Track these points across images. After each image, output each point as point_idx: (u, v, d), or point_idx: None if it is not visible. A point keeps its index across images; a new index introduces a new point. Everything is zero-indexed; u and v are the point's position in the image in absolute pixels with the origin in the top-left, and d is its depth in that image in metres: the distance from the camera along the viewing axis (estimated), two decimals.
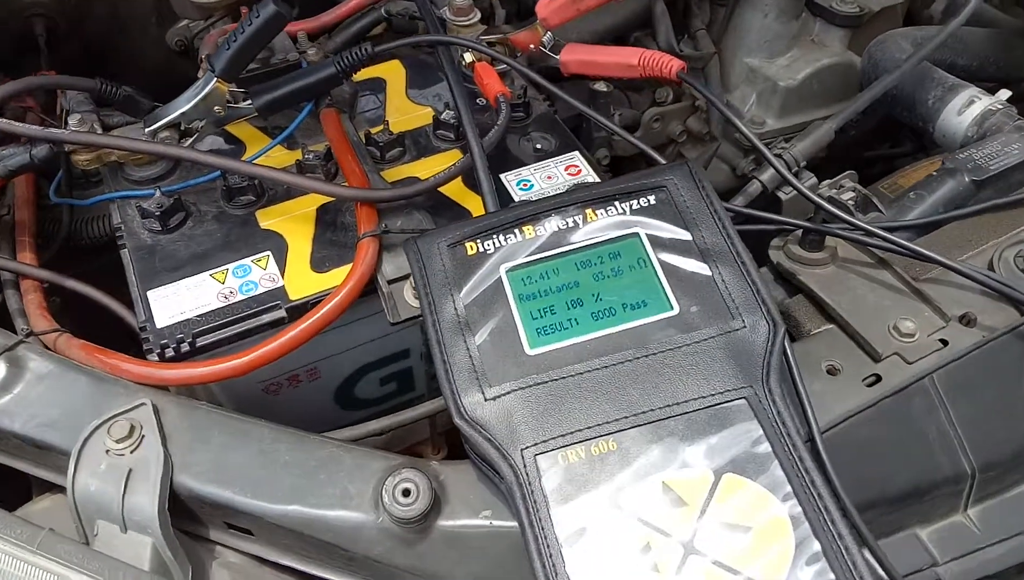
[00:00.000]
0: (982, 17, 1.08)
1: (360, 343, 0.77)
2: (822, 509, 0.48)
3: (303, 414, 0.78)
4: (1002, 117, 0.82)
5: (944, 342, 0.63)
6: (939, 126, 0.86)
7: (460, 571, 0.58)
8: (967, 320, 0.65)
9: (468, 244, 0.61)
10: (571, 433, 0.52)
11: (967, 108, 0.84)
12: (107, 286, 0.75)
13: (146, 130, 0.75)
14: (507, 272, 0.59)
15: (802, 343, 0.66)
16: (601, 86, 1.08)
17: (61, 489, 0.62)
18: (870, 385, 0.62)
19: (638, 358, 0.54)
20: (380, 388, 0.83)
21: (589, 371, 0.54)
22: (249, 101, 0.76)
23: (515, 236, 0.61)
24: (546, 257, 0.60)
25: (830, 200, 0.76)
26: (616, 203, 0.61)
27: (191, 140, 0.76)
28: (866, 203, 0.78)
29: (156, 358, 0.66)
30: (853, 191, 0.78)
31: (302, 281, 0.70)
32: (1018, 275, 0.67)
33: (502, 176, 0.79)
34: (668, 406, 0.52)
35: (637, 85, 1.17)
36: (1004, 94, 0.85)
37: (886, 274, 0.69)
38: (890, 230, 0.68)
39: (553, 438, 0.52)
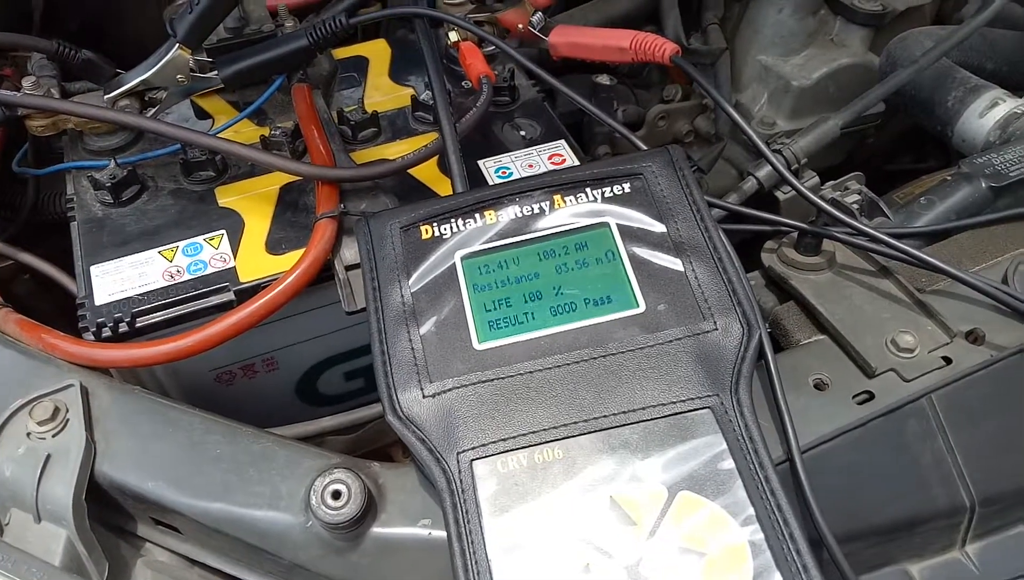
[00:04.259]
0: (1017, 22, 1.01)
1: (321, 334, 0.72)
2: (786, 537, 0.42)
3: (261, 408, 0.74)
4: None
5: (947, 360, 0.57)
6: (959, 130, 0.80)
7: None
8: (974, 337, 0.58)
9: (423, 227, 0.56)
10: (513, 438, 0.47)
11: (990, 110, 0.77)
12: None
13: (105, 97, 0.71)
14: (462, 259, 0.54)
15: (789, 354, 0.60)
16: (604, 79, 1.04)
17: None
18: (861, 403, 0.55)
19: (595, 358, 0.49)
20: (346, 384, 0.78)
21: (540, 370, 0.49)
22: (216, 72, 0.71)
23: (474, 221, 0.56)
24: (506, 245, 0.55)
25: (832, 202, 0.70)
26: (587, 189, 0.56)
27: (153, 110, 0.71)
28: (872, 207, 0.71)
29: (91, 337, 0.62)
30: (859, 194, 0.72)
31: (255, 263, 0.66)
32: None
33: (480, 162, 0.74)
34: (623, 412, 0.47)
35: (646, 82, 1.12)
36: None
37: (888, 284, 0.63)
38: (896, 237, 0.62)
39: (493, 442, 0.47)
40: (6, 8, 0.94)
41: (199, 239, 0.67)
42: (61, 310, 0.74)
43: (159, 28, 1.01)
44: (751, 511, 0.43)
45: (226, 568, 0.58)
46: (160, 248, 0.66)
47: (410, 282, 0.54)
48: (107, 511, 0.58)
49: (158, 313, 0.63)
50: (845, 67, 1.00)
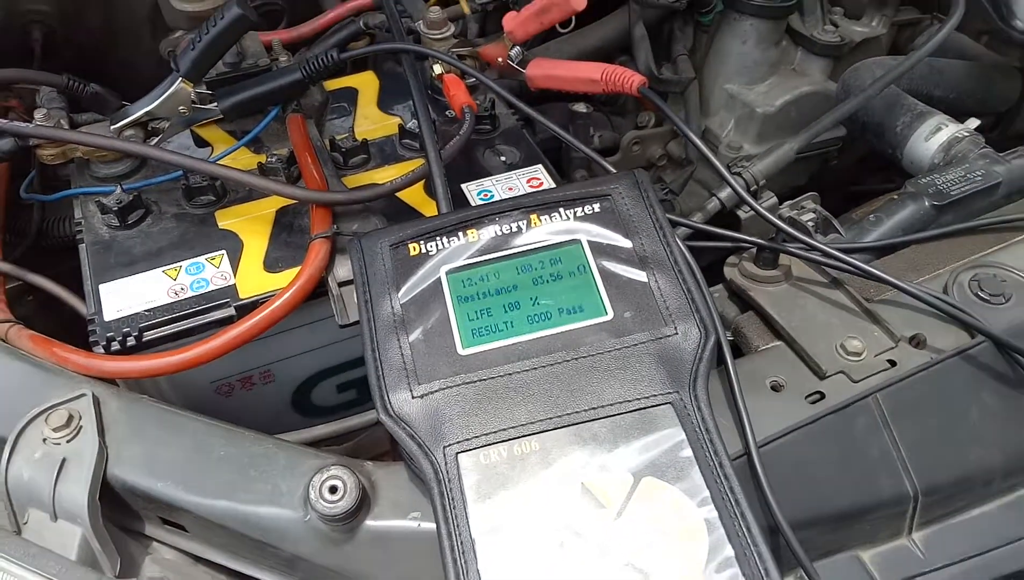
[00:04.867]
0: (965, 52, 1.08)
1: (315, 347, 0.76)
2: (738, 515, 0.47)
3: (258, 418, 0.78)
4: (968, 144, 0.82)
5: (892, 362, 0.62)
6: (907, 152, 0.86)
7: (387, 574, 0.57)
8: (917, 341, 0.64)
9: (411, 245, 0.61)
10: (495, 432, 0.52)
11: (934, 135, 0.84)
12: (79, 285, 0.75)
13: (112, 127, 0.76)
14: (447, 274, 0.59)
15: (748, 359, 0.65)
16: (581, 107, 1.10)
17: None
18: (813, 402, 0.61)
19: (567, 361, 0.54)
20: (338, 395, 0.82)
21: (518, 372, 0.54)
22: (215, 103, 0.76)
23: (458, 239, 0.61)
24: (487, 260, 0.60)
25: (789, 220, 0.76)
26: (561, 210, 0.62)
27: (156, 139, 0.76)
28: (826, 224, 0.77)
29: (102, 350, 0.66)
30: (814, 212, 0.77)
31: (254, 280, 0.70)
32: (971, 299, 0.66)
33: (464, 185, 0.79)
34: (593, 408, 0.52)
35: (621, 109, 1.18)
36: (973, 123, 0.85)
37: (839, 294, 0.68)
38: (847, 252, 0.68)
39: (476, 437, 0.52)
40: (8, 43, 0.99)
41: (201, 259, 0.72)
42: (64, 329, 0.78)
43: (154, 60, 1.07)
44: (707, 493, 0.48)
45: (229, 563, 0.62)
46: (164, 267, 0.71)
47: (399, 295, 0.59)
48: (116, 512, 0.62)
49: (163, 328, 0.67)
50: (806, 94, 1.06)
